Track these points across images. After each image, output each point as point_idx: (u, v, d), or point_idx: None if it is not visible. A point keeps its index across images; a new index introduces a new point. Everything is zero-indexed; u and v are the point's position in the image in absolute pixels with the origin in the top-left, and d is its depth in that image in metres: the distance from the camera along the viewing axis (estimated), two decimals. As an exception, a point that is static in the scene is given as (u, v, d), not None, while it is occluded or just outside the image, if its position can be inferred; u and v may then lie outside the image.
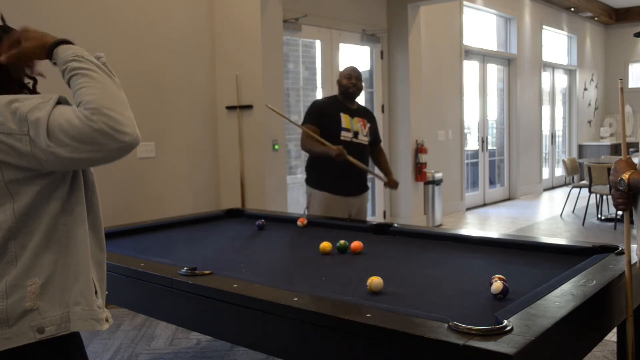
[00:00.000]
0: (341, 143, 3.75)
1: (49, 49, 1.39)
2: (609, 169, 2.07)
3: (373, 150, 4.09)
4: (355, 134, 3.86)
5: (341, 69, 4.04)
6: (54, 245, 1.36)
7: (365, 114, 4.03)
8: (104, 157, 1.32)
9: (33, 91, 1.46)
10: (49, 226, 1.35)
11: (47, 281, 1.35)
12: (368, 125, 3.96)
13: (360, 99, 4.06)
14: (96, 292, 1.42)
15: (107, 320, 1.46)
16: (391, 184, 4.06)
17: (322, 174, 3.83)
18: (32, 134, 1.25)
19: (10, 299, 1.31)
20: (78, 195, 1.41)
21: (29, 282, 1.32)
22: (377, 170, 4.26)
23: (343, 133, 3.81)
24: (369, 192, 4.22)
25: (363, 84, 4.00)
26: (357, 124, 3.88)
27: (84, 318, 1.37)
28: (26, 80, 1.48)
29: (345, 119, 3.84)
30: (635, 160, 2.00)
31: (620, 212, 2.05)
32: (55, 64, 1.40)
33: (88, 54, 1.38)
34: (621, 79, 2.16)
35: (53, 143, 1.24)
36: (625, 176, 1.87)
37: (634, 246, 2.02)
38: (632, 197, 1.92)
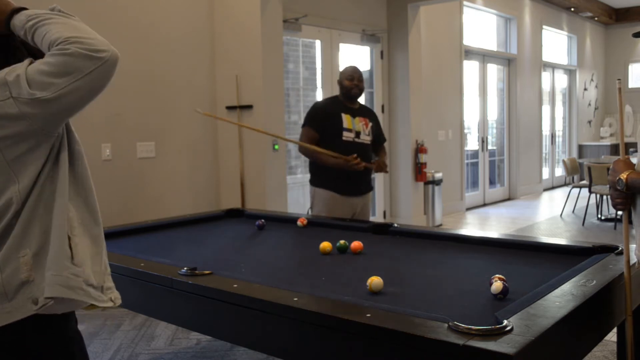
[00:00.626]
0: (343, 144, 3.75)
1: (6, 23, 1.39)
2: (609, 169, 2.07)
3: (376, 150, 4.07)
4: (357, 134, 3.85)
5: (341, 69, 4.03)
6: (40, 216, 1.35)
7: (367, 113, 4.03)
8: (91, 84, 1.30)
9: None
10: (36, 198, 1.35)
11: (38, 251, 1.34)
12: (370, 124, 3.96)
13: (361, 99, 4.05)
14: (72, 259, 1.36)
15: (111, 300, 1.44)
16: (379, 163, 3.94)
17: (327, 173, 3.81)
18: (15, 92, 1.25)
19: (5, 273, 1.31)
20: (62, 166, 1.40)
21: (21, 254, 1.32)
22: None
23: (345, 133, 3.81)
24: (377, 192, 4.20)
25: (364, 84, 4.00)
26: (359, 123, 3.88)
27: (51, 284, 1.33)
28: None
29: (346, 119, 3.84)
30: (634, 160, 2.00)
31: (619, 212, 2.05)
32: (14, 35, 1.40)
33: (41, 10, 1.38)
34: (619, 79, 2.16)
35: (36, 90, 1.24)
36: (624, 176, 1.87)
37: (633, 246, 2.02)
38: (631, 197, 1.92)
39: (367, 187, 3.98)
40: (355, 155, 3.66)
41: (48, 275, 1.33)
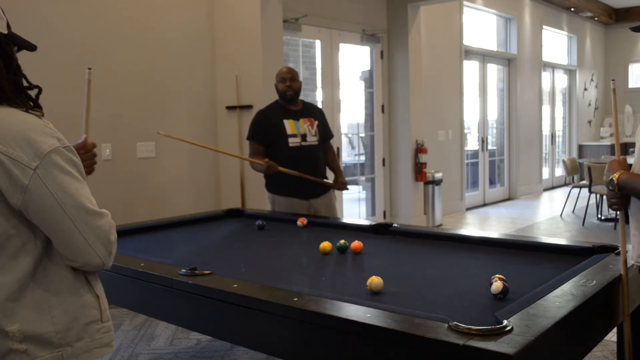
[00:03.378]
0: (291, 150, 3.71)
1: None
2: (607, 169, 2.07)
3: (324, 149, 3.96)
4: (304, 137, 3.78)
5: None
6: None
7: (311, 111, 3.93)
8: None
9: (36, 101, 1.43)
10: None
11: None
12: (316, 123, 3.87)
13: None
14: None
15: None
16: (338, 185, 3.91)
17: (282, 178, 3.71)
18: (41, 173, 1.27)
19: None
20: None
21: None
22: (329, 177, 4.03)
23: (290, 140, 3.74)
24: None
25: (301, 81, 3.89)
26: (304, 125, 3.81)
27: None
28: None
29: (289, 125, 3.76)
30: (631, 160, 2.01)
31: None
32: None
33: None
34: (613, 80, 2.16)
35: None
36: (615, 176, 1.88)
37: (629, 246, 2.02)
38: (626, 197, 1.93)
39: (323, 187, 3.88)
40: (267, 160, 3.60)
41: None
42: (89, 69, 1.92)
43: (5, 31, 1.38)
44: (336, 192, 4.23)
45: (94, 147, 1.70)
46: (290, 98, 3.81)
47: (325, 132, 3.99)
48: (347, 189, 4.03)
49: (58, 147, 1.30)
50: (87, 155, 1.65)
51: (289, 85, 3.79)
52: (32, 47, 1.46)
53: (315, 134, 3.85)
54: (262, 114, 3.90)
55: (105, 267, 1.37)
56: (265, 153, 3.77)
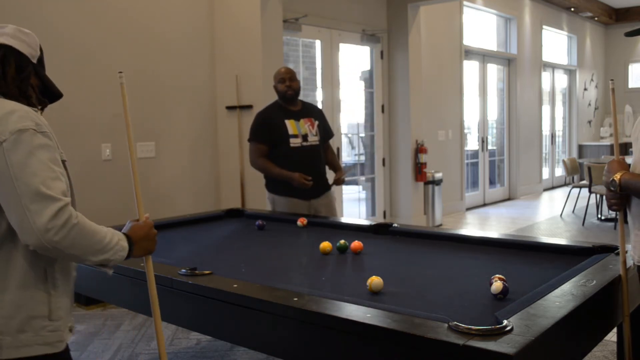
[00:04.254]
0: (293, 150, 3.71)
1: None
2: (606, 170, 2.07)
3: (323, 148, 3.96)
4: (305, 137, 3.79)
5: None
6: None
7: (311, 111, 3.93)
8: None
9: (31, 101, 1.54)
10: None
11: None
12: (316, 123, 3.88)
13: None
14: None
15: None
16: (336, 180, 3.91)
17: (282, 180, 3.73)
18: (6, 146, 1.34)
19: None
20: None
21: None
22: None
23: (292, 140, 3.74)
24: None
25: (300, 81, 3.89)
26: (305, 125, 3.81)
27: None
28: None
29: (291, 125, 3.76)
30: (630, 161, 2.01)
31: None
32: None
33: None
34: (612, 80, 2.16)
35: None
36: (617, 176, 1.88)
37: (628, 246, 2.02)
38: (626, 198, 1.93)
39: (324, 187, 3.90)
40: (298, 174, 3.62)
41: None
42: (120, 72, 1.78)
43: (34, 61, 1.57)
44: (335, 192, 4.22)
45: (151, 227, 1.71)
46: (290, 98, 3.81)
47: (326, 132, 4.00)
48: (344, 180, 4.01)
49: (31, 128, 1.37)
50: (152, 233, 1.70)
51: (289, 85, 3.78)
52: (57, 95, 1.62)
53: (316, 133, 3.85)
54: (263, 115, 3.89)
55: (43, 245, 1.34)
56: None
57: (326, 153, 4.01)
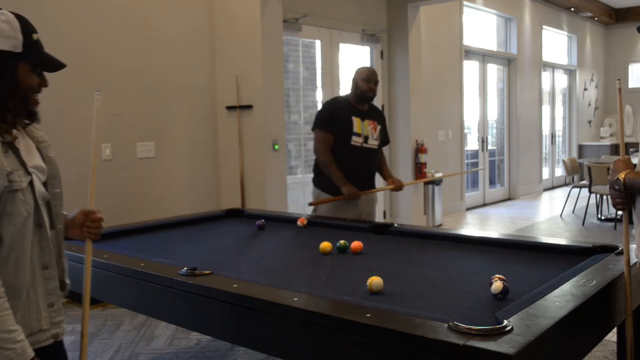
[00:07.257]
0: (352, 148, 3.72)
1: None
2: (609, 169, 2.07)
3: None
4: (366, 139, 3.79)
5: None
6: None
7: (376, 115, 3.94)
8: None
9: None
10: None
11: None
12: (378, 127, 3.88)
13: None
14: None
15: None
16: (394, 187, 3.95)
17: (334, 180, 3.72)
18: None
19: None
20: None
21: None
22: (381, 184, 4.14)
23: (354, 138, 3.74)
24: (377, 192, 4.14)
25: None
26: (368, 127, 3.81)
27: None
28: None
29: (357, 123, 3.75)
30: (635, 160, 2.00)
31: (619, 212, 2.05)
32: None
33: None
34: (619, 80, 2.16)
35: None
36: (622, 175, 1.87)
37: (633, 246, 2.02)
38: (631, 197, 1.92)
39: (369, 187, 3.92)
40: (355, 190, 3.65)
41: None
42: (98, 92, 1.79)
43: (19, 50, 1.44)
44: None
45: (101, 220, 1.69)
46: (368, 99, 3.82)
47: (385, 138, 4.00)
48: (402, 189, 4.04)
49: None
50: (93, 224, 1.67)
51: (372, 87, 3.78)
52: (53, 68, 1.55)
53: (376, 137, 3.85)
54: (332, 105, 3.88)
55: None
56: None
57: (380, 159, 4.03)
